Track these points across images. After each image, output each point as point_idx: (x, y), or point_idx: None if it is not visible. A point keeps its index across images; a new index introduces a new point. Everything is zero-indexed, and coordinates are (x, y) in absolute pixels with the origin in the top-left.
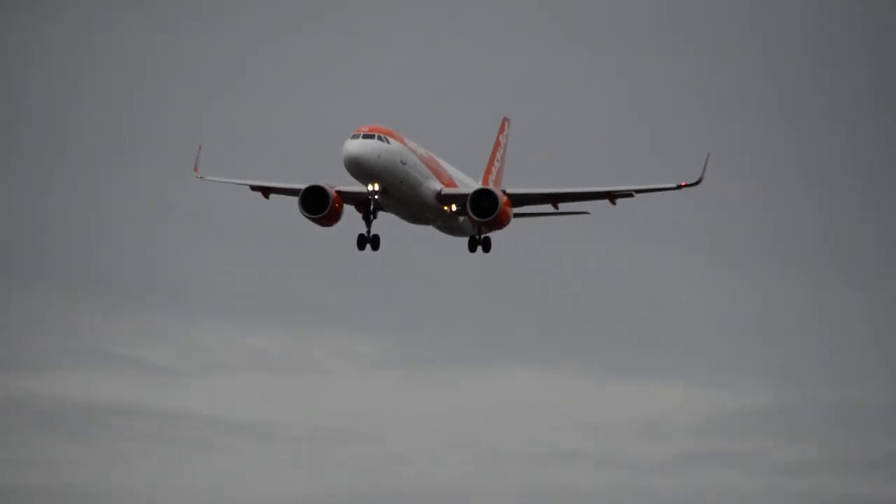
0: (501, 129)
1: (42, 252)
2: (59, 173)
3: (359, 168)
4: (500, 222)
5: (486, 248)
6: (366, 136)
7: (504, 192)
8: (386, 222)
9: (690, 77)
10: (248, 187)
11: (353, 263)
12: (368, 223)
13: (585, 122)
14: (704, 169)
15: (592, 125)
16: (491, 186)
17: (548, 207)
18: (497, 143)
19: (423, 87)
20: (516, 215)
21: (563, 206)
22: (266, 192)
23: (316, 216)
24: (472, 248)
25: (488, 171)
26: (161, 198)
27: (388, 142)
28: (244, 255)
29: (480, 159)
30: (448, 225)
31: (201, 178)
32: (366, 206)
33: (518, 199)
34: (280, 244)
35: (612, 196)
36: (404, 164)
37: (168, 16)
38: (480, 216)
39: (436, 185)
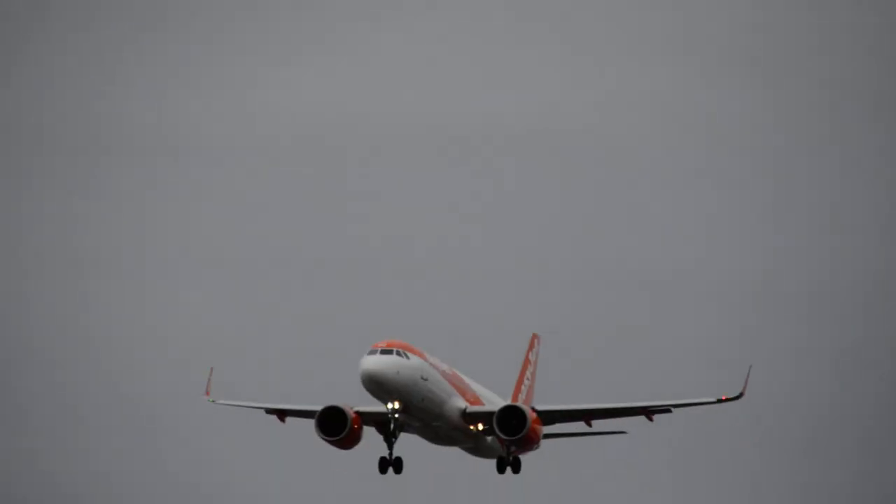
0: (531, 346)
1: None
2: None
3: (377, 386)
4: (530, 441)
5: (516, 469)
6: (384, 352)
7: (533, 409)
8: (410, 442)
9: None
10: (262, 411)
11: (374, 488)
12: (390, 445)
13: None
14: (746, 382)
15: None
16: (519, 403)
17: (582, 426)
18: (527, 361)
19: (445, 301)
20: (547, 436)
21: (598, 424)
22: (282, 415)
23: (334, 439)
24: (501, 470)
25: (517, 390)
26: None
27: (407, 357)
28: (260, 480)
29: (509, 378)
30: (476, 445)
31: (213, 402)
32: (386, 427)
33: (548, 417)
34: (297, 467)
35: (649, 412)
36: (425, 380)
37: None
38: (508, 434)
39: (460, 403)
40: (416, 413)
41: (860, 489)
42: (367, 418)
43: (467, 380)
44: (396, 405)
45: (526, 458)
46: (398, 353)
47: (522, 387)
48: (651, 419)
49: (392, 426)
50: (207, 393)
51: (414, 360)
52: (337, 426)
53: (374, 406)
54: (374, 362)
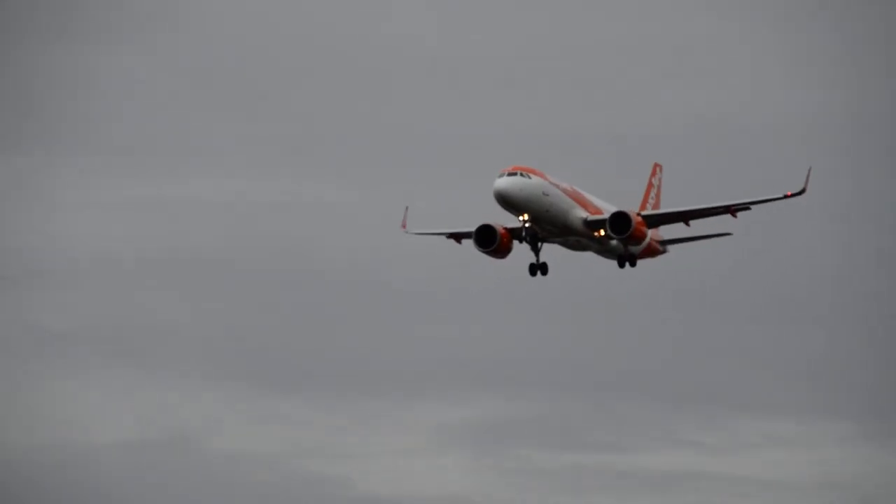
0: (653, 173)
1: None
2: None
3: (506, 201)
4: (637, 238)
5: (633, 263)
6: (510, 174)
7: (638, 213)
8: (554, 252)
9: None
10: (444, 237)
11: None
12: (536, 253)
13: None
14: (807, 180)
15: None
16: (626, 209)
17: (694, 232)
18: (650, 185)
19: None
20: (667, 242)
21: (705, 230)
22: (457, 238)
23: (488, 250)
24: (622, 265)
25: (643, 207)
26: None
27: (529, 178)
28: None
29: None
30: (605, 248)
31: (408, 233)
32: (530, 238)
33: (650, 219)
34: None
35: (732, 210)
36: (546, 195)
37: None
38: (618, 234)
39: (581, 213)
40: (546, 223)
41: None
42: (515, 233)
43: (589, 195)
44: (526, 216)
45: (649, 262)
46: (521, 175)
47: (647, 205)
48: (735, 216)
49: (527, 236)
50: (404, 226)
51: (535, 179)
52: (490, 240)
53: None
54: (503, 183)
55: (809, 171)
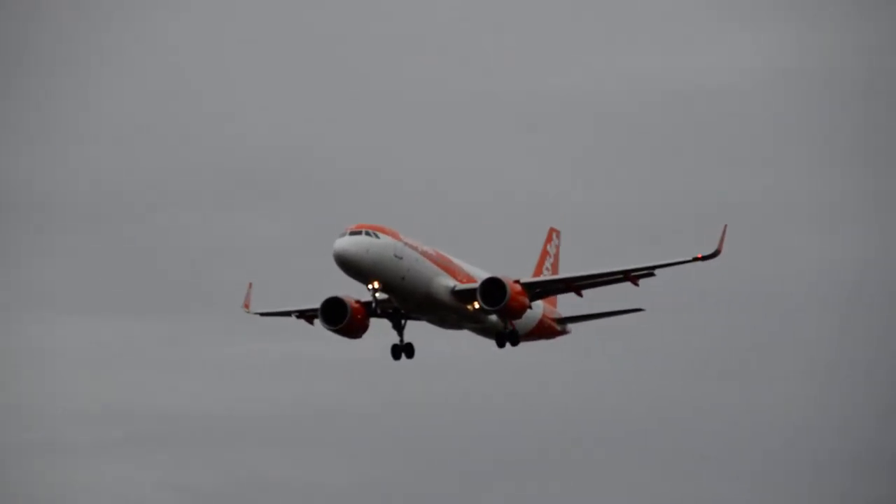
0: (548, 239)
1: None
2: None
3: (347, 265)
4: (514, 310)
5: (514, 341)
6: (353, 233)
7: (517, 281)
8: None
9: None
10: (294, 318)
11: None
12: (399, 332)
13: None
14: (722, 239)
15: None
16: (500, 275)
17: (601, 308)
18: (544, 252)
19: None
20: (567, 319)
21: (614, 306)
22: (309, 317)
23: (336, 328)
24: (501, 344)
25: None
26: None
27: (377, 237)
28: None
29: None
30: (482, 326)
31: (251, 313)
32: (390, 314)
33: (531, 287)
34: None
35: (632, 277)
36: (399, 258)
37: None
38: (491, 305)
39: (448, 282)
40: (403, 293)
41: None
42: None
43: (458, 261)
44: (376, 284)
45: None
46: (367, 234)
47: (542, 275)
48: (636, 284)
49: (376, 307)
50: (247, 305)
51: (385, 239)
52: (339, 315)
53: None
54: (343, 243)
55: (724, 229)
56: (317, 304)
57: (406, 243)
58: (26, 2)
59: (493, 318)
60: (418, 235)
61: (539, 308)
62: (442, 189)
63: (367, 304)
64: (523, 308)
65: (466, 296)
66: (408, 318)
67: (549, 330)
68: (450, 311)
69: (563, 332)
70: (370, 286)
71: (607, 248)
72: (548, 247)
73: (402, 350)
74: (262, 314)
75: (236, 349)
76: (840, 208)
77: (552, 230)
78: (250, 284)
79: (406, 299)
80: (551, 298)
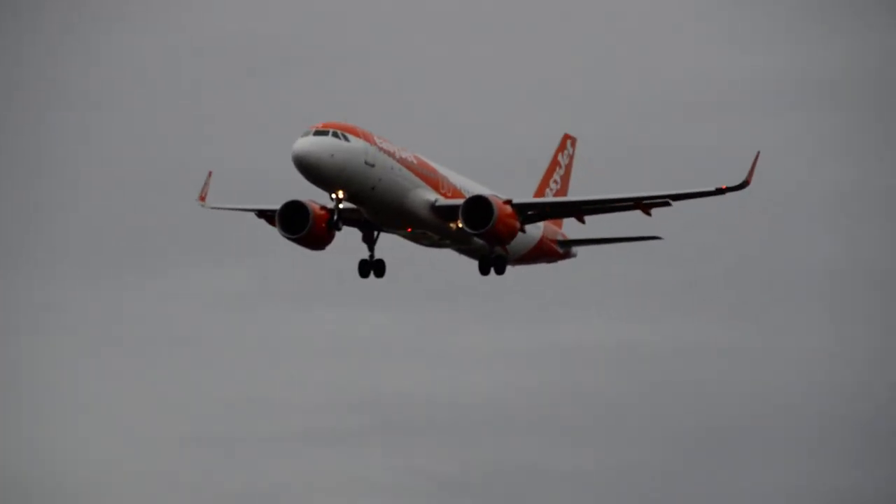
0: (561, 146)
1: None
2: None
3: (309, 171)
4: (499, 235)
5: (500, 269)
6: (318, 133)
7: (509, 201)
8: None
9: None
10: (254, 216)
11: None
12: (370, 246)
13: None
14: (752, 170)
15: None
16: (488, 193)
17: (612, 233)
18: (554, 162)
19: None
20: (573, 242)
21: (628, 231)
22: (270, 217)
23: (295, 236)
24: (484, 270)
25: (540, 193)
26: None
27: (346, 139)
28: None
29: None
30: (466, 246)
31: (205, 207)
32: (363, 226)
33: (526, 210)
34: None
35: (644, 206)
36: (371, 165)
37: None
38: (474, 228)
39: (429, 195)
40: (374, 206)
41: None
42: (341, 215)
43: (445, 171)
44: (340, 194)
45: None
46: (335, 135)
47: (547, 190)
48: (648, 213)
49: (337, 220)
50: (203, 198)
51: (356, 142)
52: (300, 222)
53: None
54: (305, 144)
55: (756, 156)
56: (278, 206)
57: (381, 148)
58: None
59: (479, 240)
60: (408, 138)
61: (538, 228)
62: (440, 84)
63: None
64: (512, 233)
65: (449, 212)
66: (380, 230)
67: (549, 252)
68: (428, 227)
69: (567, 256)
70: (333, 195)
71: (623, 163)
72: (559, 156)
73: (371, 267)
74: (217, 208)
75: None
76: None
77: (566, 137)
78: (210, 174)
79: (377, 211)
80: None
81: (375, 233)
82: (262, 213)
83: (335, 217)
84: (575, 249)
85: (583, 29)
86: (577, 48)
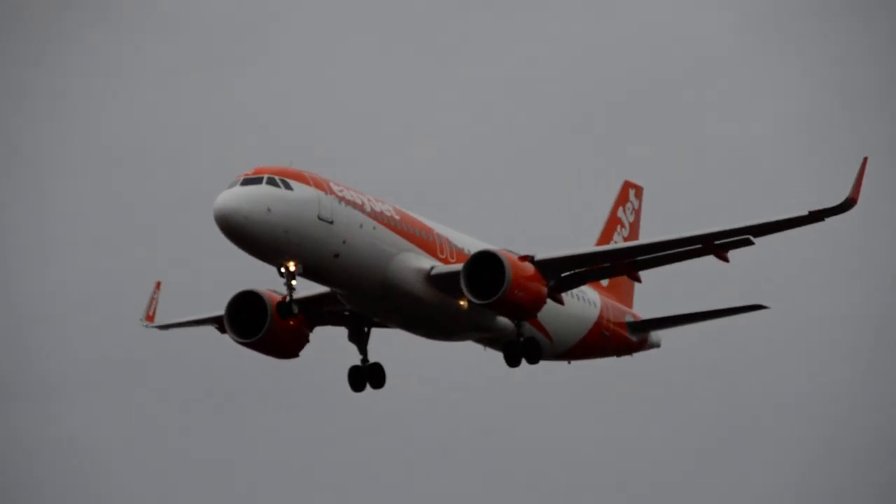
0: (622, 198)
1: None
2: None
3: (235, 234)
4: (518, 303)
5: (532, 357)
6: (247, 181)
7: (528, 257)
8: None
9: None
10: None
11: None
12: (360, 347)
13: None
14: (858, 184)
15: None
16: (497, 249)
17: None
18: (613, 217)
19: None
20: (648, 324)
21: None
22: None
23: (249, 341)
24: (512, 361)
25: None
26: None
27: (288, 187)
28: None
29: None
30: (489, 335)
31: (149, 327)
32: (351, 322)
33: (556, 270)
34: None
35: (716, 247)
36: (329, 222)
37: None
38: (482, 297)
39: (422, 262)
40: (340, 281)
41: None
42: (313, 305)
43: (442, 229)
44: (291, 266)
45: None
46: (271, 182)
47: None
48: (725, 258)
49: (288, 301)
50: (150, 318)
51: (302, 190)
52: (255, 322)
53: (320, 287)
54: (229, 199)
55: (864, 163)
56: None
57: (342, 198)
58: None
59: (504, 320)
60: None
61: (594, 306)
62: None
63: (308, 300)
64: (536, 300)
65: (453, 283)
66: (370, 323)
67: (615, 339)
68: (427, 310)
69: (645, 345)
70: (282, 269)
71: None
72: (620, 210)
73: (366, 375)
74: (163, 327)
75: None
76: None
77: (627, 185)
78: (158, 284)
79: (351, 291)
80: (617, 290)
81: (365, 327)
82: (211, 321)
83: (288, 300)
84: (656, 336)
85: None
86: None
